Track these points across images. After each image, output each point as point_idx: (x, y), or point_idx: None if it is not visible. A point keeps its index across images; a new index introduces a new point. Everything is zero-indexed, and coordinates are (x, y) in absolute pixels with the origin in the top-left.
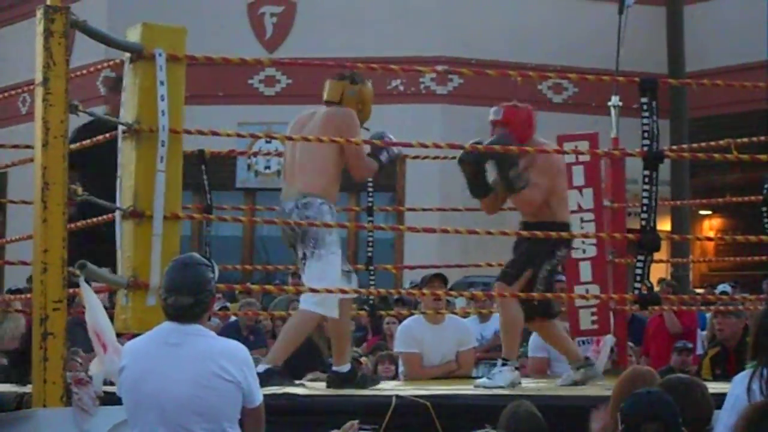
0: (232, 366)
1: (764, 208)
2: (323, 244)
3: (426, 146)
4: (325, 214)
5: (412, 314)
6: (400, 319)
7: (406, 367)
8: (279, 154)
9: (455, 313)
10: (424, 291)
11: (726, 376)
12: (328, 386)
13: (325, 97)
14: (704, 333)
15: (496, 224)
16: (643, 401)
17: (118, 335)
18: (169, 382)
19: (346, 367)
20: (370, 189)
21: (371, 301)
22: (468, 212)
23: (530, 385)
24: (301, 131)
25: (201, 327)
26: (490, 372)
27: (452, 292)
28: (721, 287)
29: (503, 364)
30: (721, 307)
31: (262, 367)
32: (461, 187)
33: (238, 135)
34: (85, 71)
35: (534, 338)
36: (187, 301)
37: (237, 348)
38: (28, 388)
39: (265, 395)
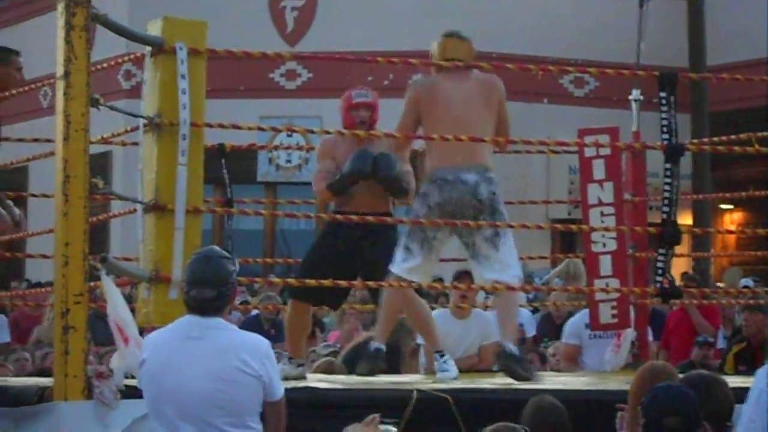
0: (253, 359)
1: None
2: (504, 215)
3: (447, 140)
4: (496, 185)
5: (433, 308)
6: None
7: (427, 360)
8: (299, 148)
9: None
10: (456, 285)
11: (750, 373)
12: (500, 363)
13: (459, 56)
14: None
15: (518, 218)
16: (664, 395)
17: (140, 329)
18: (190, 375)
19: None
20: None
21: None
22: None
23: (554, 378)
24: (454, 92)
25: (222, 320)
26: None
27: (475, 286)
28: (743, 281)
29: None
30: (746, 302)
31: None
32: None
33: (260, 128)
34: (105, 65)
35: (569, 325)
36: (209, 294)
37: (258, 341)
38: (48, 381)
39: (286, 388)
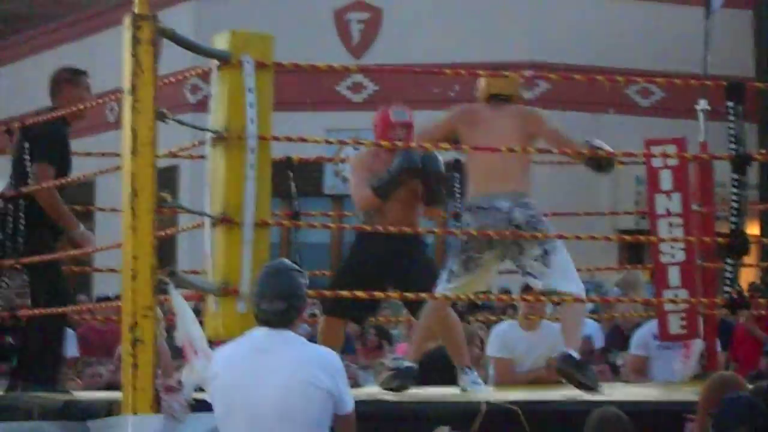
0: (323, 373)
1: None
2: (551, 232)
3: (513, 151)
4: (542, 213)
5: (500, 320)
6: (488, 324)
7: (497, 372)
8: None
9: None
10: (524, 297)
11: None
12: (558, 367)
13: (502, 91)
14: None
15: (585, 229)
16: (735, 406)
17: (209, 342)
18: (260, 389)
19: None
20: (459, 194)
21: (459, 307)
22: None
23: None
24: (488, 126)
25: (292, 333)
26: None
27: (543, 298)
28: None
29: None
30: None
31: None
32: (549, 192)
33: (327, 141)
34: (172, 79)
35: (636, 336)
36: (280, 307)
37: (329, 355)
38: (118, 395)
39: (356, 401)
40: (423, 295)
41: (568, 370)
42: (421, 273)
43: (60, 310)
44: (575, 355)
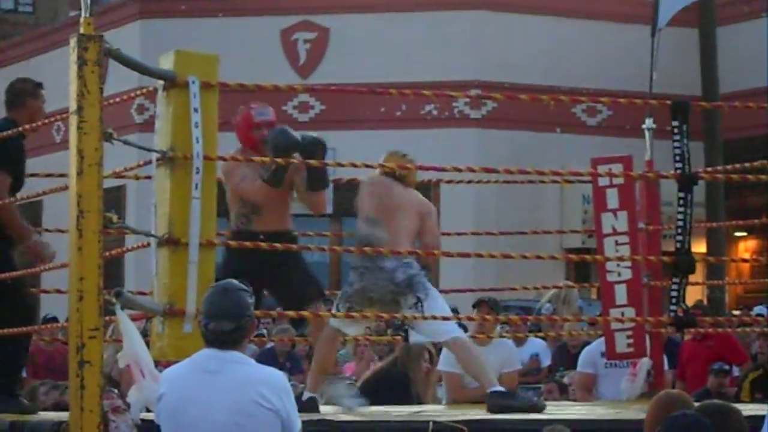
0: (271, 394)
1: None
2: (426, 287)
3: (460, 170)
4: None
5: None
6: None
7: (447, 387)
8: None
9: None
10: (474, 316)
11: (766, 400)
12: (490, 408)
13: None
14: None
15: (532, 248)
16: (680, 424)
17: (155, 363)
18: (208, 410)
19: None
20: None
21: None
22: (503, 236)
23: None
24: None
25: (240, 354)
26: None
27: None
28: (757, 309)
29: None
30: (761, 329)
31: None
32: (496, 211)
33: (273, 161)
34: (118, 99)
35: (584, 354)
36: (227, 327)
37: (276, 376)
38: (65, 416)
39: (303, 422)
40: (302, 314)
41: (499, 404)
42: (299, 281)
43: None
44: (496, 388)
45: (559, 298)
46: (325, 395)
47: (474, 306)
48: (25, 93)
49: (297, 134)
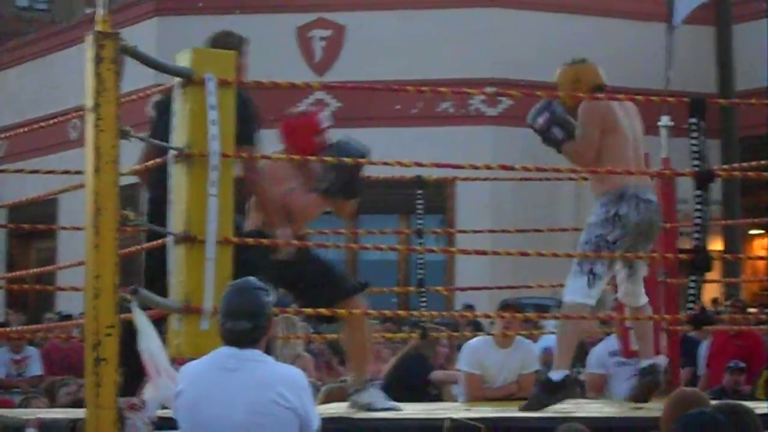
0: (289, 393)
1: None
2: None
3: (476, 168)
4: None
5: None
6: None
7: (466, 387)
8: None
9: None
10: (503, 314)
11: None
12: (536, 395)
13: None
14: None
15: (548, 245)
16: (697, 421)
17: (171, 360)
18: (225, 408)
19: (560, 375)
20: (420, 211)
21: (423, 324)
22: (519, 233)
23: (586, 405)
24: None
25: (259, 352)
26: None
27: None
28: None
29: None
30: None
31: (560, 374)
32: (512, 208)
33: (289, 159)
34: (135, 96)
35: (592, 354)
36: (245, 326)
37: (295, 374)
38: (81, 413)
39: (322, 419)
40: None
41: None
42: (315, 278)
43: (26, 328)
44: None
45: None
46: (360, 401)
47: (501, 307)
48: (231, 49)
49: (356, 144)
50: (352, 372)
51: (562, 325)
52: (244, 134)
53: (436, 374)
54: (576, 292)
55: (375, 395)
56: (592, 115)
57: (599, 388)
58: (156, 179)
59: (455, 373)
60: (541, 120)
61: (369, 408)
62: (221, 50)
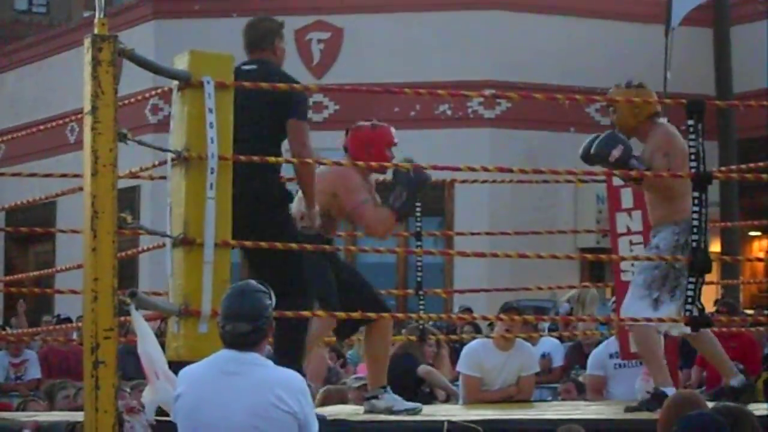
0: (288, 396)
1: None
2: None
3: (474, 170)
4: None
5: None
6: (450, 343)
7: (465, 389)
8: None
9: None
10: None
11: None
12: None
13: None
14: None
15: (546, 247)
16: (696, 423)
17: (170, 363)
18: (225, 411)
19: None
20: (418, 214)
21: (422, 326)
22: (517, 236)
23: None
24: None
25: (258, 356)
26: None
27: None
28: None
29: None
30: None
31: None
32: (510, 210)
33: (287, 161)
34: (133, 99)
35: (592, 356)
36: (244, 328)
37: (294, 378)
38: (80, 416)
39: (319, 422)
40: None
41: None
42: (353, 279)
43: (23, 331)
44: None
45: (578, 300)
46: (379, 405)
47: (503, 310)
48: (272, 33)
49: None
50: (369, 377)
51: (640, 345)
52: (298, 109)
53: (422, 368)
54: (639, 314)
55: (393, 399)
56: (675, 145)
57: (599, 390)
58: None
59: (440, 376)
60: (617, 153)
61: (390, 411)
62: (219, 52)
